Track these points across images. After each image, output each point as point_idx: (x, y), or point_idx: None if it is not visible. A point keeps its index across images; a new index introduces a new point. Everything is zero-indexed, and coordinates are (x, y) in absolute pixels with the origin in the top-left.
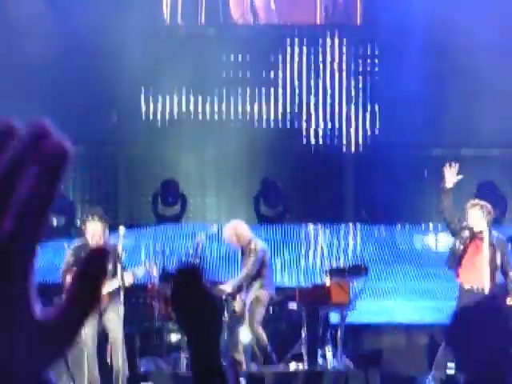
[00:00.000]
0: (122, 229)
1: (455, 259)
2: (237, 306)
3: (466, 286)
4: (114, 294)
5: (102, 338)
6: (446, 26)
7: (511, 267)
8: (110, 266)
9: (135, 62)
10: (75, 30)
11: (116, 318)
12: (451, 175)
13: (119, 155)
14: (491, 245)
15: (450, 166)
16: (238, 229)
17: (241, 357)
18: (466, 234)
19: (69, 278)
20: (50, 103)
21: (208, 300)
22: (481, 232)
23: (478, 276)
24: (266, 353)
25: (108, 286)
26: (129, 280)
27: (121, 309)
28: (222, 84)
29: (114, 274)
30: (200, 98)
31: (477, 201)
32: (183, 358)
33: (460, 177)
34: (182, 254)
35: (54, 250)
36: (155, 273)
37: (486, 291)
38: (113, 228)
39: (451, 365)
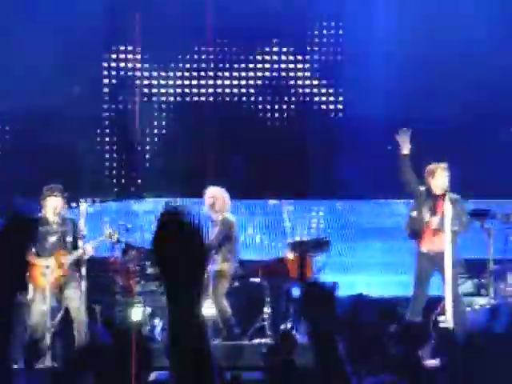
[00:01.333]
0: (83, 205)
1: (417, 226)
2: None
3: (424, 250)
4: (73, 268)
5: (65, 311)
6: None
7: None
8: (69, 239)
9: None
10: None
11: (77, 293)
12: (404, 141)
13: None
14: (451, 205)
15: (403, 132)
16: (220, 194)
17: None
18: (427, 198)
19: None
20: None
21: (194, 245)
22: (443, 195)
23: (438, 240)
24: (230, 326)
25: (68, 258)
26: (89, 251)
27: (83, 283)
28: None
29: (74, 247)
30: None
31: (446, 164)
32: (146, 332)
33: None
34: (145, 229)
35: None
36: (114, 239)
37: (447, 253)
38: (74, 203)
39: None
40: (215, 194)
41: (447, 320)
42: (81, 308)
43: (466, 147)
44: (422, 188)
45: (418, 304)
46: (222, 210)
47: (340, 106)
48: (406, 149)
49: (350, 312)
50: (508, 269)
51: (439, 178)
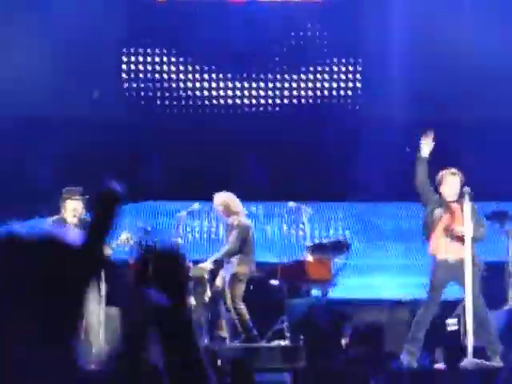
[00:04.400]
0: None
1: (429, 230)
2: (217, 281)
3: (440, 257)
4: None
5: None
6: None
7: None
8: None
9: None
10: None
11: (94, 295)
12: (427, 143)
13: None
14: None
15: (426, 133)
16: (227, 200)
17: (224, 333)
18: (439, 203)
19: None
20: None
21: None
22: (455, 201)
23: (454, 246)
24: (248, 329)
25: None
26: (107, 252)
27: (102, 287)
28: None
29: None
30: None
31: (456, 170)
32: None
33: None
34: (164, 232)
35: None
36: (131, 242)
37: (468, 261)
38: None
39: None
40: (221, 201)
41: (456, 324)
42: (96, 311)
43: (482, 148)
44: (436, 195)
45: (426, 313)
46: (233, 214)
47: (357, 107)
48: (426, 151)
49: (306, 314)
50: None
51: (448, 184)
